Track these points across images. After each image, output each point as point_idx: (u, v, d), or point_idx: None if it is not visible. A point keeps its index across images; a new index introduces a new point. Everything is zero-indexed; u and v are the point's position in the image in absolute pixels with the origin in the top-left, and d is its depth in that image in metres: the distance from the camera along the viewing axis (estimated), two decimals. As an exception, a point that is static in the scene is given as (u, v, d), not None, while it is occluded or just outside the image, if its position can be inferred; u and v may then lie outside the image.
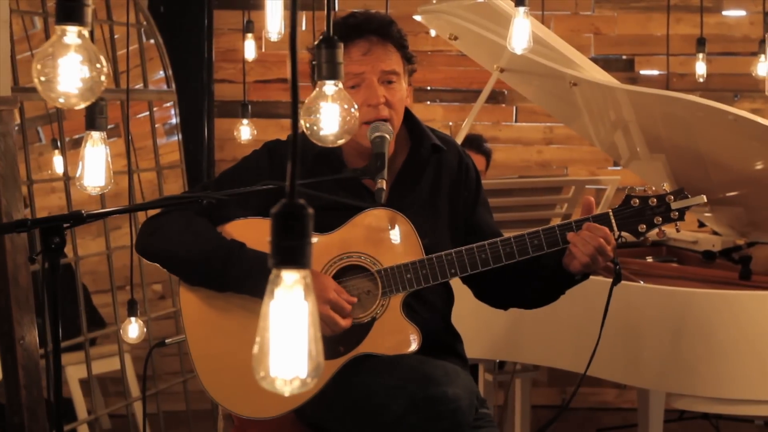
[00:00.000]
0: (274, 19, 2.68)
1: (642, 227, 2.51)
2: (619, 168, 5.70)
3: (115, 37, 4.96)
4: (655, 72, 6.07)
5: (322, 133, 1.73)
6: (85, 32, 1.40)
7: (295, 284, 1.15)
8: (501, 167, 6.05)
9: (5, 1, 3.26)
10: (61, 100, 1.40)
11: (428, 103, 6.17)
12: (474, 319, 3.22)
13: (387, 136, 2.46)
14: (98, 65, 1.40)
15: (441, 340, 2.65)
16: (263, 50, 5.47)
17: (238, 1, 5.36)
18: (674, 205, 2.51)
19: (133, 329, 3.72)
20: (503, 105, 6.13)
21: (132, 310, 3.68)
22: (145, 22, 5.08)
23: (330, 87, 1.72)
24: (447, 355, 2.59)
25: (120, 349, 4.80)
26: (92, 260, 5.27)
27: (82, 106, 1.46)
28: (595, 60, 5.96)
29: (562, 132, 5.88)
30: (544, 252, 2.50)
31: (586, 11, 6.07)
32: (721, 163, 3.69)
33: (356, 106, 1.74)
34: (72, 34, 1.41)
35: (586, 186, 4.46)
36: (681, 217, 2.52)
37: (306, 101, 1.73)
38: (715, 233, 4.28)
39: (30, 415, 3.19)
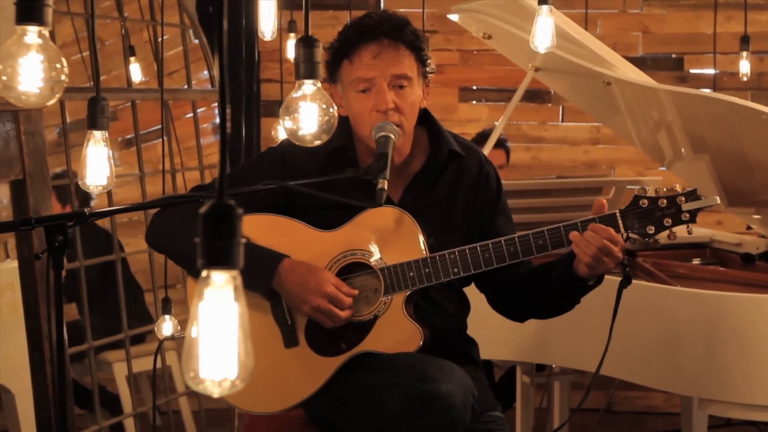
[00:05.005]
0: (267, 18, 2.68)
1: (650, 229, 2.44)
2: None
3: (163, 38, 5.00)
4: (705, 71, 5.95)
5: (300, 132, 1.73)
6: (46, 32, 1.41)
7: (224, 285, 1.15)
8: (547, 167, 5.98)
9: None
10: (23, 99, 1.41)
11: (474, 102, 6.12)
12: (504, 321, 3.20)
13: (392, 136, 2.45)
14: (58, 65, 1.41)
15: (451, 342, 2.63)
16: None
17: (281, 1, 5.37)
18: (685, 207, 2.44)
19: (167, 327, 3.76)
20: (549, 104, 6.05)
21: (166, 308, 3.72)
22: (189, 23, 5.13)
23: (309, 86, 1.72)
24: (459, 359, 2.56)
25: (161, 346, 4.84)
26: (143, 259, 5.33)
27: (50, 104, 1.46)
28: (643, 59, 5.90)
29: (609, 132, 5.78)
30: (548, 252, 2.46)
31: (634, 9, 5.97)
32: (765, 163, 3.61)
33: (335, 107, 1.73)
34: (33, 33, 1.41)
35: (627, 186, 4.38)
36: (692, 219, 2.44)
37: (285, 100, 1.73)
38: (762, 236, 4.19)
39: (59, 411, 3.22)
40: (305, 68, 1.70)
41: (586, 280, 2.48)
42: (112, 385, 5.25)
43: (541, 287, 2.57)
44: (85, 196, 5.31)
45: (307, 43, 1.70)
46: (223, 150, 1.15)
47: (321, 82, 1.75)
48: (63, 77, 1.42)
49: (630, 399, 5.80)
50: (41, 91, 1.42)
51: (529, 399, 4.38)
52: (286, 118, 1.71)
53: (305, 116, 1.71)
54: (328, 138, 1.74)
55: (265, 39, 2.76)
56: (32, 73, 1.41)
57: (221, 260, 1.14)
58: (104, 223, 5.08)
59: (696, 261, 4.10)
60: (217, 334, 1.14)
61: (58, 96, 1.43)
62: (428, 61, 2.60)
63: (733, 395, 3.13)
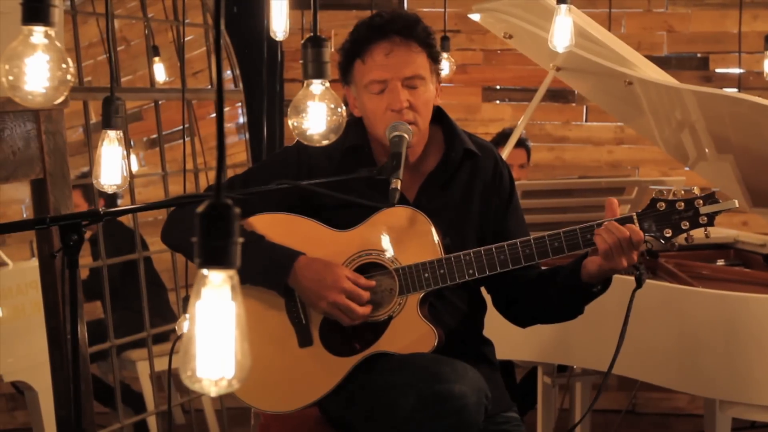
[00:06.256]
0: (279, 18, 2.68)
1: (667, 232, 2.42)
2: (692, 168, 5.56)
3: (184, 39, 5.02)
4: (731, 70, 5.89)
5: (309, 132, 1.73)
6: (52, 32, 1.41)
7: (222, 284, 1.15)
8: (570, 167, 5.95)
9: (59, 2, 3.32)
10: (29, 99, 1.42)
11: (497, 102, 6.10)
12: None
13: (405, 135, 2.44)
14: (64, 65, 1.42)
15: (466, 343, 2.62)
16: (331, 49, 5.47)
17: (304, 1, 5.38)
18: (703, 210, 2.41)
19: (188, 326, 3.77)
20: (573, 104, 6.02)
21: (187, 306, 3.72)
22: (213, 23, 5.15)
23: (317, 86, 1.72)
24: (473, 359, 2.56)
25: (176, 344, 4.86)
26: (166, 258, 5.35)
27: (57, 103, 1.47)
28: (668, 58, 5.86)
29: (634, 132, 5.75)
30: (564, 254, 2.44)
31: (659, 8, 5.93)
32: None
33: (343, 106, 1.73)
34: (39, 34, 1.42)
35: (650, 186, 4.36)
36: (710, 223, 2.42)
37: (293, 100, 1.74)
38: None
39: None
40: (313, 68, 1.70)
41: (592, 285, 2.47)
42: (136, 384, 5.28)
43: (547, 290, 2.56)
44: (111, 195, 5.34)
45: (314, 42, 1.70)
46: (221, 151, 1.15)
47: (333, 84, 1.75)
48: (69, 77, 1.43)
49: (654, 400, 5.76)
50: (47, 90, 1.43)
51: (550, 400, 4.36)
52: (295, 117, 1.71)
53: (313, 116, 1.71)
54: (336, 137, 1.74)
55: (277, 39, 2.76)
56: (38, 73, 1.42)
57: (218, 259, 1.15)
58: (130, 221, 5.12)
59: (720, 262, 4.07)
60: (214, 334, 1.15)
61: (64, 96, 1.44)
62: (439, 57, 2.59)
63: (754, 397, 3.10)
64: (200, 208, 1.15)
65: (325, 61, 1.71)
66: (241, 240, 1.15)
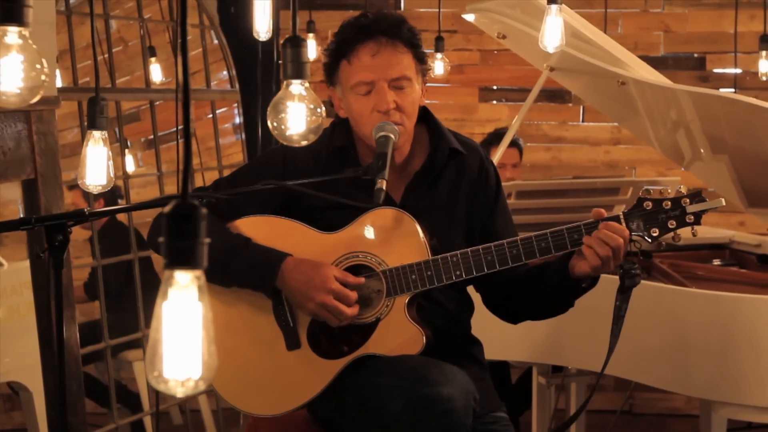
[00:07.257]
0: (262, 18, 2.67)
1: (654, 231, 2.41)
2: (689, 169, 5.55)
3: (177, 39, 5.02)
4: (727, 70, 5.88)
5: (288, 132, 1.73)
6: (26, 32, 1.41)
7: (188, 285, 1.15)
8: (567, 167, 5.95)
9: (51, 3, 3.33)
10: (3, 99, 1.42)
11: (494, 102, 6.10)
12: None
13: (391, 136, 2.43)
14: (38, 65, 1.42)
15: (454, 343, 2.61)
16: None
17: (301, 2, 5.38)
18: (690, 209, 2.41)
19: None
20: (570, 104, 6.01)
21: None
22: (209, 24, 5.15)
23: (296, 86, 1.71)
24: (461, 359, 2.55)
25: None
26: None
27: (32, 102, 1.47)
28: (665, 58, 5.87)
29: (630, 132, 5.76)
30: (551, 255, 2.44)
31: (656, 8, 5.92)
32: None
33: (322, 107, 1.73)
34: (13, 34, 1.42)
35: (645, 187, 4.34)
36: (697, 221, 2.41)
37: (272, 101, 1.73)
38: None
39: (70, 410, 3.24)
40: (292, 68, 1.70)
41: (581, 281, 2.46)
42: (134, 384, 5.29)
43: (536, 288, 2.55)
44: (112, 196, 5.35)
45: (293, 43, 1.70)
46: (188, 150, 1.15)
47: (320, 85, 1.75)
48: (43, 77, 1.43)
49: (651, 401, 5.76)
50: (21, 91, 1.42)
51: (546, 400, 4.36)
52: (274, 118, 1.71)
53: (293, 116, 1.70)
54: (316, 138, 1.73)
55: (260, 39, 2.75)
56: (12, 74, 1.42)
57: (185, 260, 1.14)
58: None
59: (716, 262, 4.07)
60: (180, 334, 1.14)
61: (39, 96, 1.44)
62: (425, 58, 2.59)
63: (747, 398, 3.10)
64: (166, 209, 1.14)
65: (304, 61, 1.70)
66: (207, 240, 1.15)
